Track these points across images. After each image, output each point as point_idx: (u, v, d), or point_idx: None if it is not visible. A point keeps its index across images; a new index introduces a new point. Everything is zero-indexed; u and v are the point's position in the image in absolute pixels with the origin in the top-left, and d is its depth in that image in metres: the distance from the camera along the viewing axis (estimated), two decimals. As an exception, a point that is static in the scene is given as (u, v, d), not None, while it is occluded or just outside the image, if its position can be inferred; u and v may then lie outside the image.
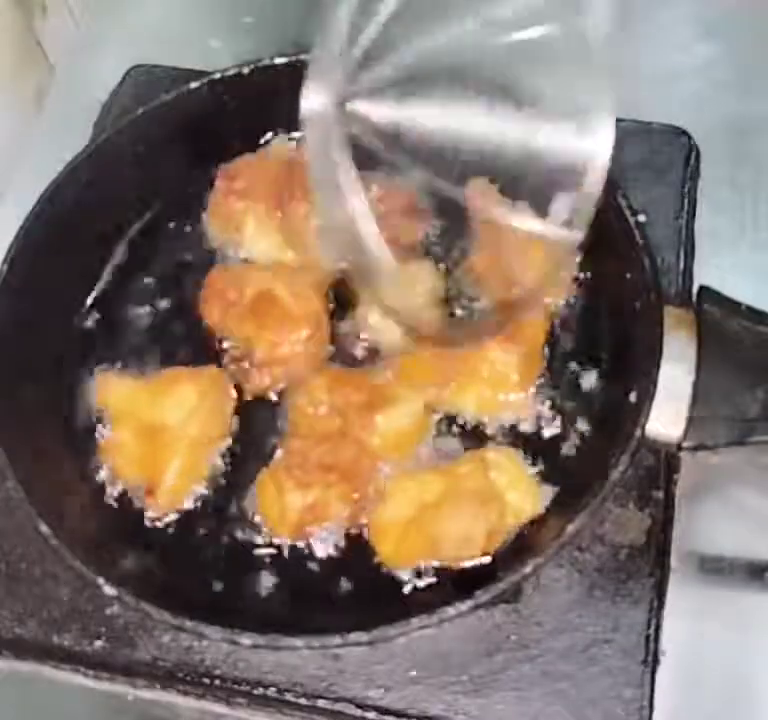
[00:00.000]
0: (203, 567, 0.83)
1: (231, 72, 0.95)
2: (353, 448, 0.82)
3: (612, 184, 0.85)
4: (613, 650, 0.79)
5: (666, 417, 0.76)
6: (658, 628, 0.80)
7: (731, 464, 0.85)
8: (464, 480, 0.81)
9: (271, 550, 0.83)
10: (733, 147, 1.03)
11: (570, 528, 0.73)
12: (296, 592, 0.81)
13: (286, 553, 0.83)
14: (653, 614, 0.81)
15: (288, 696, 0.80)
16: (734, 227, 0.99)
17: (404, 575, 0.81)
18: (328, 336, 0.90)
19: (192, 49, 1.15)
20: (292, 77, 0.96)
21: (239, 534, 0.84)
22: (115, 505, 0.85)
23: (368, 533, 0.82)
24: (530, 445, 0.85)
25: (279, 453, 0.85)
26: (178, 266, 0.96)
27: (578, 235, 0.72)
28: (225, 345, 0.91)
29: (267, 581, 0.82)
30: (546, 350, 0.88)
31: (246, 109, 0.97)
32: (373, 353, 0.90)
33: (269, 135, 1.00)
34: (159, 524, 0.84)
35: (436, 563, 0.80)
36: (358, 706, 0.79)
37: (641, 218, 0.88)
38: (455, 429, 0.86)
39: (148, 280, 0.96)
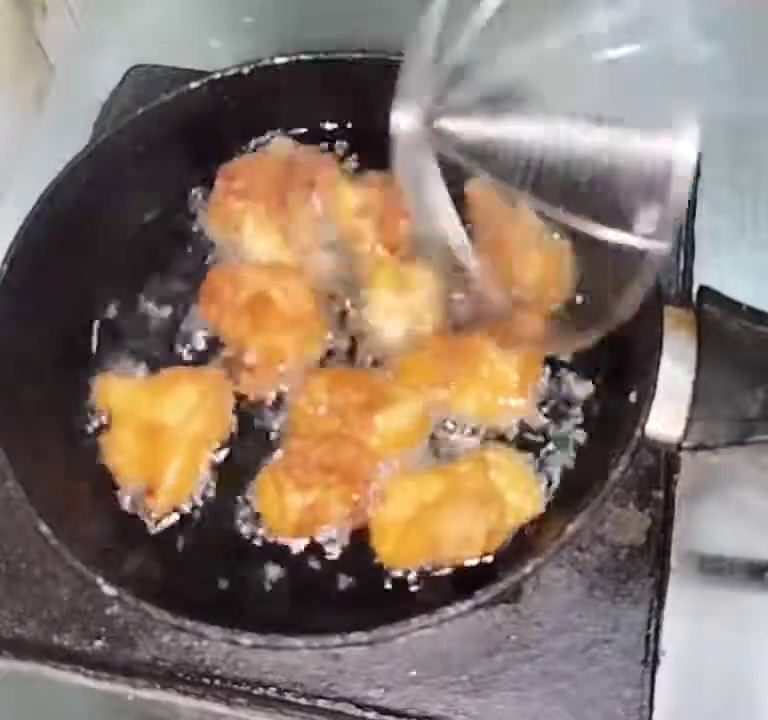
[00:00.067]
0: (203, 567, 0.83)
1: (231, 72, 0.95)
2: (353, 448, 0.82)
3: (612, 184, 0.85)
4: (613, 650, 0.79)
5: (666, 417, 0.76)
6: (658, 628, 0.80)
7: (731, 464, 0.85)
8: (464, 480, 0.81)
9: (271, 550, 0.83)
10: (733, 147, 1.03)
11: (570, 528, 0.73)
12: (296, 592, 0.81)
13: (286, 553, 0.83)
14: (653, 614, 0.81)
15: (288, 696, 0.80)
16: (734, 227, 1.00)
17: (404, 575, 0.81)
18: (324, 338, 0.90)
19: (192, 49, 1.15)
20: (292, 77, 0.97)
21: (239, 534, 0.83)
22: (115, 505, 0.85)
23: (368, 533, 0.82)
24: (530, 445, 0.85)
25: (279, 453, 0.85)
26: (178, 266, 0.96)
27: (665, 246, 0.71)
28: (207, 348, 0.91)
29: (267, 581, 0.82)
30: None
31: (246, 109, 0.97)
32: (373, 354, 0.90)
33: (269, 135, 1.00)
34: (159, 524, 0.84)
35: (436, 563, 0.80)
36: (358, 706, 0.79)
37: (641, 218, 0.88)
38: (455, 429, 0.86)
39: (148, 280, 0.96)
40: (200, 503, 0.85)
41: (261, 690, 0.80)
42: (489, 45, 0.70)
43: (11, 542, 0.86)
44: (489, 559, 0.80)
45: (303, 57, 0.95)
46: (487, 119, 0.71)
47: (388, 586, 0.80)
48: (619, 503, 0.84)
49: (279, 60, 0.94)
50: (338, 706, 0.79)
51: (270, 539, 0.83)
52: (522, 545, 0.80)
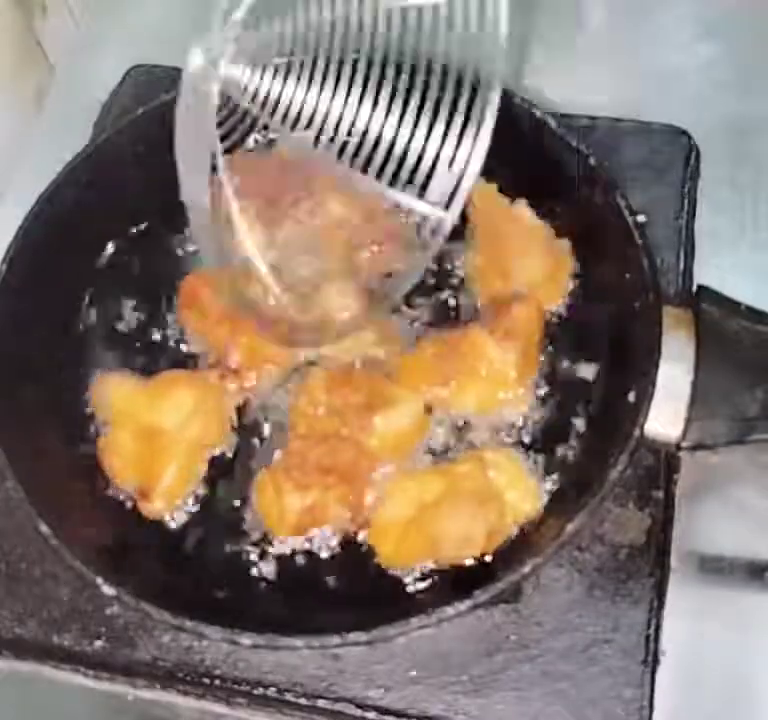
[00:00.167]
0: (203, 567, 0.83)
1: (231, 72, 0.95)
2: (352, 450, 0.82)
3: (612, 184, 0.85)
4: (613, 650, 0.79)
5: (665, 417, 0.76)
6: (658, 628, 0.80)
7: (731, 464, 0.85)
8: (463, 480, 0.81)
9: (271, 550, 0.83)
10: (733, 147, 1.03)
11: (569, 528, 0.73)
12: (296, 592, 0.81)
13: (286, 553, 0.83)
14: (653, 614, 0.81)
15: (288, 696, 0.80)
16: (734, 227, 0.99)
17: (404, 575, 0.80)
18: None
19: (192, 49, 1.15)
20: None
21: (239, 534, 0.83)
22: (115, 505, 0.85)
23: (368, 533, 0.82)
24: (529, 445, 0.85)
25: (278, 454, 0.85)
26: (178, 266, 0.96)
27: (451, 216, 0.77)
28: (202, 350, 0.91)
29: (267, 581, 0.82)
30: (546, 350, 0.88)
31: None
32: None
33: (269, 135, 1.00)
34: (159, 525, 0.84)
35: (436, 563, 0.80)
36: (358, 706, 0.79)
37: (641, 218, 0.88)
38: (454, 429, 0.86)
39: (148, 281, 0.96)
40: (200, 504, 0.85)
41: (261, 690, 0.80)
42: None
43: (11, 542, 0.86)
44: (488, 559, 0.80)
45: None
46: (279, 73, 0.75)
47: (388, 586, 0.80)
48: (619, 503, 0.84)
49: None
50: (338, 706, 0.79)
51: (270, 539, 0.83)
52: (521, 545, 0.80)
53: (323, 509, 0.81)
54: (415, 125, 0.78)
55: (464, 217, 0.88)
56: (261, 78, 0.75)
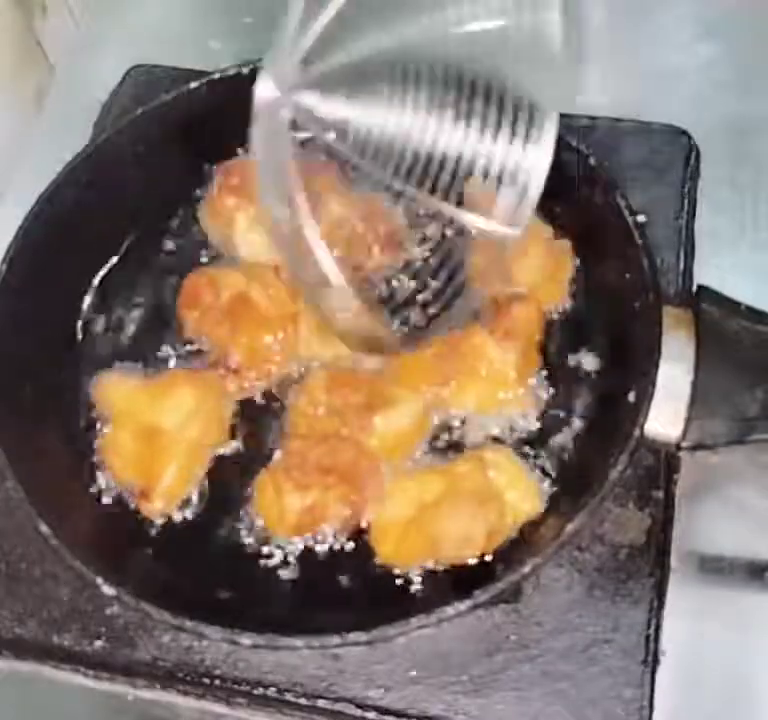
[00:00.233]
0: (203, 567, 0.83)
1: (231, 72, 0.95)
2: (352, 450, 0.82)
3: (612, 184, 0.85)
4: (613, 650, 0.79)
5: (665, 417, 0.77)
6: (658, 628, 0.80)
7: (731, 464, 0.85)
8: (463, 480, 0.80)
9: (270, 550, 0.83)
10: (733, 147, 1.03)
11: (569, 528, 0.73)
12: (295, 592, 0.81)
13: (286, 553, 0.83)
14: (653, 614, 0.81)
15: (288, 696, 0.80)
16: (734, 227, 0.99)
17: (404, 575, 0.80)
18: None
19: (192, 49, 1.15)
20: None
21: (238, 534, 0.83)
22: (115, 505, 0.85)
23: (368, 533, 0.82)
24: (529, 445, 0.85)
25: (278, 454, 0.85)
26: (178, 266, 0.96)
27: (517, 232, 0.77)
28: (203, 349, 0.91)
29: (266, 581, 0.82)
30: (545, 349, 0.89)
31: (246, 109, 0.96)
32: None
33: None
34: (159, 524, 0.84)
35: (436, 563, 0.80)
36: (358, 706, 0.79)
37: (641, 218, 0.88)
38: (454, 429, 0.86)
39: (148, 280, 0.96)
40: (200, 503, 0.85)
41: (261, 690, 0.80)
42: (353, 21, 0.71)
43: (11, 542, 0.86)
44: (488, 559, 0.80)
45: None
46: (349, 98, 0.74)
47: (387, 586, 0.80)
48: (619, 503, 0.84)
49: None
50: (338, 706, 0.79)
51: (269, 540, 0.83)
52: (521, 545, 0.80)
53: (323, 509, 0.81)
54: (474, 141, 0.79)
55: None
56: (330, 104, 0.75)
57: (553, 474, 0.84)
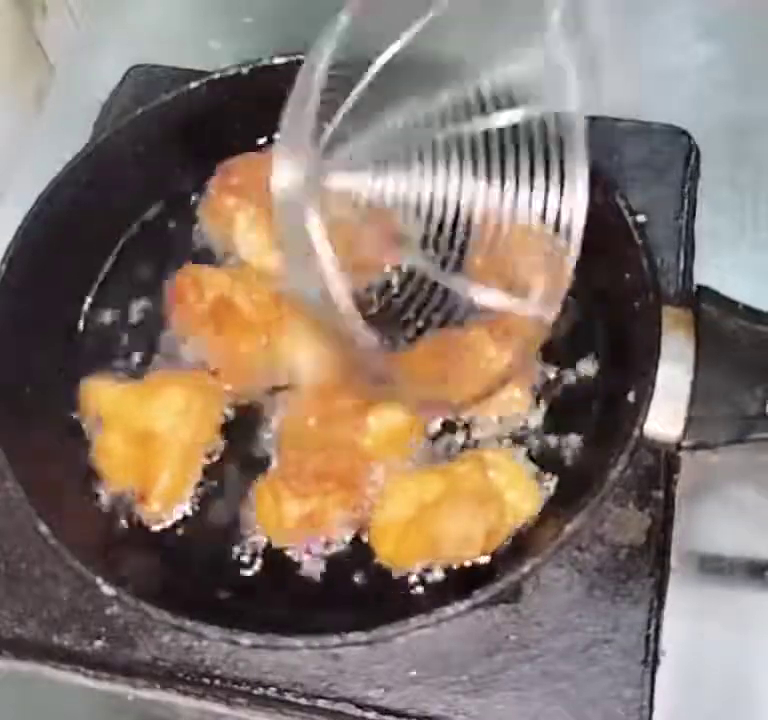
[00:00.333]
0: (202, 567, 0.83)
1: (231, 72, 0.95)
2: (348, 454, 0.82)
3: (611, 184, 0.85)
4: (613, 650, 0.79)
5: (664, 417, 0.76)
6: (658, 628, 0.80)
7: (731, 463, 0.85)
8: (463, 480, 0.80)
9: (270, 550, 0.83)
10: (733, 147, 1.03)
11: (568, 528, 0.73)
12: (296, 592, 0.81)
13: (285, 553, 0.82)
14: (653, 614, 0.81)
15: (288, 696, 0.80)
16: (734, 227, 0.99)
17: (403, 575, 0.80)
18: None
19: (192, 49, 1.15)
20: (292, 77, 0.96)
21: (238, 534, 0.83)
22: (115, 505, 0.85)
23: (368, 533, 0.82)
24: (528, 445, 0.85)
25: (274, 463, 0.85)
26: (177, 266, 0.95)
27: (551, 315, 0.79)
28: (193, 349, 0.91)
29: (266, 581, 0.82)
30: (544, 349, 0.88)
31: (246, 109, 0.97)
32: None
33: (269, 136, 1.00)
34: (158, 525, 0.84)
35: (436, 563, 0.80)
36: (358, 706, 0.79)
37: (641, 218, 0.88)
38: (454, 429, 0.86)
39: (147, 281, 0.96)
40: (199, 503, 0.85)
41: (261, 690, 0.80)
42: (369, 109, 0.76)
43: (11, 542, 0.86)
44: (488, 559, 0.80)
45: (303, 57, 0.94)
46: (374, 178, 0.78)
47: (387, 586, 0.80)
48: (619, 503, 0.84)
49: (279, 60, 0.94)
50: (338, 706, 0.79)
51: (269, 539, 0.83)
52: (521, 545, 0.80)
53: (323, 515, 0.81)
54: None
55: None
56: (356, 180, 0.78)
57: (553, 474, 0.84)
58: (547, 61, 0.75)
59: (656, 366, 0.77)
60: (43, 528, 0.76)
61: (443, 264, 0.83)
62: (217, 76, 0.95)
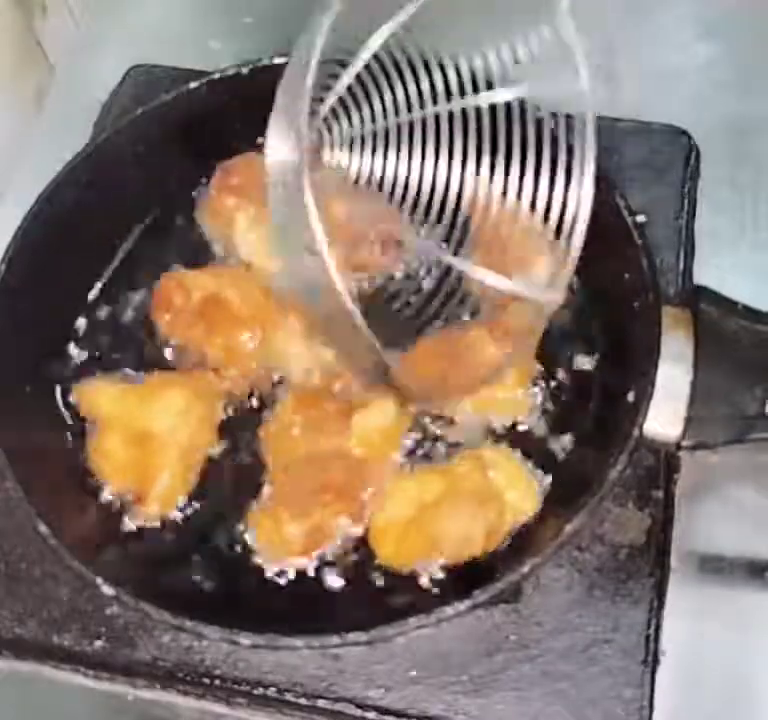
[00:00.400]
0: (202, 567, 0.83)
1: (231, 72, 0.95)
2: (339, 462, 0.82)
3: (611, 184, 0.85)
4: (613, 650, 0.79)
5: (664, 417, 0.76)
6: (658, 628, 0.80)
7: (730, 463, 0.85)
8: (463, 480, 0.81)
9: (270, 550, 0.83)
10: (733, 147, 1.03)
11: (568, 528, 0.73)
12: (295, 592, 0.81)
13: (285, 553, 0.83)
14: (653, 614, 0.81)
15: (288, 696, 0.80)
16: (734, 227, 0.99)
17: (403, 575, 0.80)
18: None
19: (192, 49, 1.15)
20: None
21: (237, 534, 0.83)
22: (114, 505, 0.85)
23: (368, 534, 0.82)
24: (528, 444, 0.85)
25: (267, 489, 0.84)
26: (177, 267, 0.95)
27: (558, 296, 0.77)
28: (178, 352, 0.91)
29: (266, 581, 0.82)
30: (544, 349, 0.88)
31: (246, 109, 0.96)
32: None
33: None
34: (158, 525, 0.84)
35: (436, 563, 0.80)
36: (358, 706, 0.79)
37: (641, 218, 0.88)
38: (453, 429, 0.86)
39: (147, 281, 0.95)
40: (198, 503, 0.85)
41: (261, 690, 0.80)
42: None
43: (11, 542, 0.86)
44: (488, 559, 0.80)
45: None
46: (373, 156, 0.78)
47: (387, 586, 0.80)
48: (619, 503, 0.84)
49: (279, 60, 0.94)
50: (338, 706, 0.79)
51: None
52: (521, 545, 0.80)
53: (326, 529, 0.81)
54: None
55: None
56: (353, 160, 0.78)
57: (552, 474, 0.84)
58: (556, 43, 0.74)
59: (656, 366, 0.77)
60: (43, 528, 0.76)
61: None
62: (217, 76, 0.95)
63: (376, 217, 0.91)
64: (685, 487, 0.86)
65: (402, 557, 0.81)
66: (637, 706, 0.78)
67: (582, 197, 0.77)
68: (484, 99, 0.79)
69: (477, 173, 0.82)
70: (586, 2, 0.75)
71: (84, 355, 0.92)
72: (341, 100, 0.76)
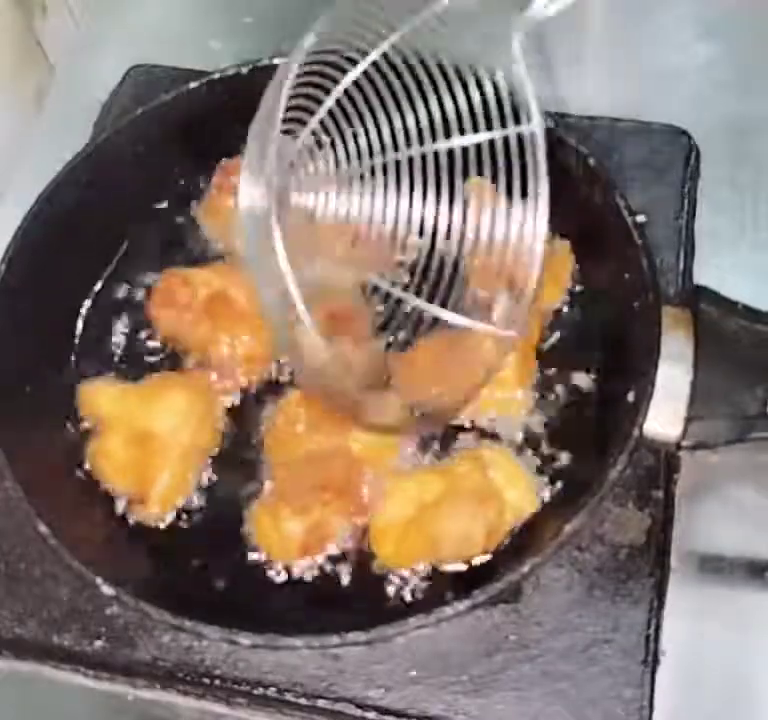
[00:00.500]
0: (202, 567, 0.83)
1: (231, 72, 0.95)
2: (342, 461, 0.82)
3: (611, 184, 0.85)
4: (613, 650, 0.79)
5: (664, 417, 0.76)
6: (658, 628, 0.80)
7: (730, 463, 0.85)
8: (463, 479, 0.80)
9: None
10: (733, 147, 1.03)
11: (568, 528, 0.73)
12: (295, 592, 0.81)
13: (285, 553, 0.83)
14: (653, 614, 0.81)
15: (288, 696, 0.80)
16: (734, 227, 0.99)
17: (403, 575, 0.80)
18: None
19: (192, 49, 1.15)
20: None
21: (237, 535, 0.83)
22: (114, 505, 0.85)
23: (368, 534, 0.82)
24: (528, 444, 0.85)
25: (267, 486, 0.84)
26: (177, 266, 0.95)
27: (514, 335, 0.79)
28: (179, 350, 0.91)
29: (266, 581, 0.82)
30: (544, 349, 0.89)
31: (246, 109, 0.96)
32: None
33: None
34: (158, 525, 0.84)
35: (436, 563, 0.80)
36: (358, 706, 0.79)
37: (641, 218, 0.88)
38: (453, 429, 0.86)
39: (147, 281, 0.95)
40: (198, 503, 0.85)
41: (261, 690, 0.80)
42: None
43: (11, 542, 0.86)
44: (488, 559, 0.80)
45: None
46: (342, 197, 0.81)
47: (387, 586, 0.80)
48: (619, 503, 0.84)
49: (279, 60, 0.94)
50: (338, 706, 0.79)
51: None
52: (521, 545, 0.80)
53: (325, 527, 0.81)
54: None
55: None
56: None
57: (552, 474, 0.84)
58: (508, 81, 0.77)
59: (656, 366, 0.77)
60: (43, 528, 0.76)
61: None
62: (217, 76, 0.95)
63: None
64: (685, 487, 0.85)
65: (402, 557, 0.81)
66: (637, 706, 0.77)
67: (537, 235, 0.79)
68: (442, 145, 0.82)
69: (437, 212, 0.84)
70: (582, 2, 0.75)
71: (84, 355, 0.92)
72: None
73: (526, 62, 0.76)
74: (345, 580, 0.81)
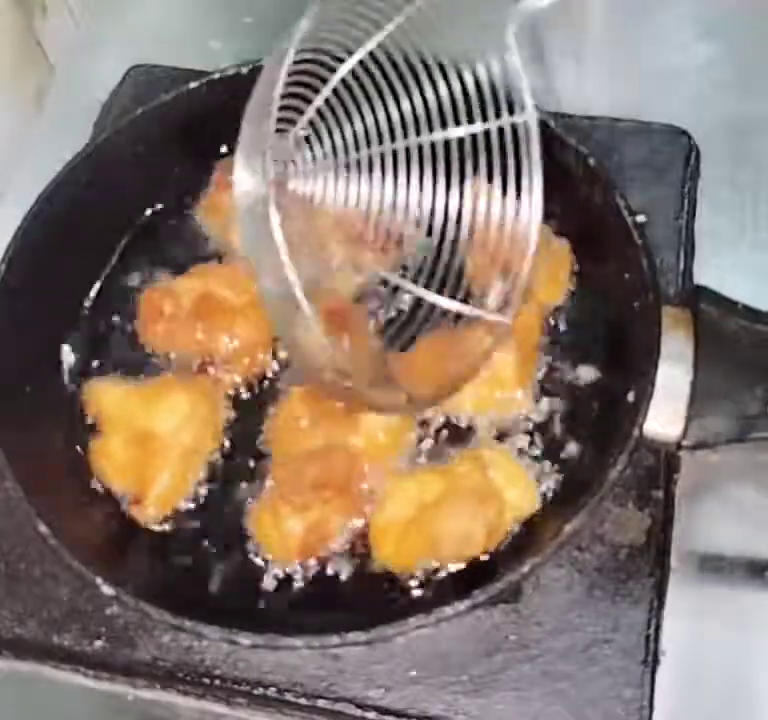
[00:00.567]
0: (202, 567, 0.83)
1: (231, 72, 0.95)
2: (343, 459, 0.82)
3: (611, 184, 0.85)
4: (613, 650, 0.79)
5: (664, 417, 0.76)
6: (658, 628, 0.80)
7: (730, 463, 0.85)
8: (463, 479, 0.80)
9: (270, 550, 0.83)
10: (733, 147, 1.03)
11: (568, 528, 0.73)
12: (295, 592, 0.81)
13: (285, 553, 0.83)
14: (653, 614, 0.80)
15: (288, 696, 0.80)
16: (734, 227, 0.99)
17: (404, 575, 0.80)
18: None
19: (192, 49, 1.15)
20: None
21: (237, 534, 0.83)
22: (114, 505, 0.85)
23: (368, 534, 0.82)
24: (528, 444, 0.85)
25: (268, 484, 0.84)
26: (177, 267, 0.96)
27: (508, 320, 0.81)
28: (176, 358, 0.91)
29: (266, 581, 0.82)
30: (544, 349, 0.89)
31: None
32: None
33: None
34: (158, 525, 0.84)
35: (436, 563, 0.80)
36: (358, 706, 0.79)
37: (641, 218, 0.88)
38: (453, 429, 0.86)
39: (147, 280, 0.96)
40: (198, 505, 0.85)
41: (261, 690, 0.80)
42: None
43: (11, 542, 0.86)
44: (488, 559, 0.80)
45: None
46: (336, 184, 0.81)
47: (387, 586, 0.80)
48: (619, 503, 0.84)
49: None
50: (338, 706, 0.79)
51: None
52: (521, 545, 0.80)
53: (325, 525, 0.81)
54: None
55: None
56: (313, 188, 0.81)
57: (552, 473, 0.84)
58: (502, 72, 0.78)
59: (656, 366, 0.77)
60: (43, 528, 0.76)
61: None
62: (217, 76, 0.95)
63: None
64: (685, 487, 0.85)
65: (402, 557, 0.81)
66: (637, 706, 0.77)
67: (531, 221, 0.79)
68: (438, 136, 0.82)
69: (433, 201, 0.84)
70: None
71: (84, 355, 0.92)
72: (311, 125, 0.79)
73: (520, 54, 0.76)
74: (345, 580, 0.81)
